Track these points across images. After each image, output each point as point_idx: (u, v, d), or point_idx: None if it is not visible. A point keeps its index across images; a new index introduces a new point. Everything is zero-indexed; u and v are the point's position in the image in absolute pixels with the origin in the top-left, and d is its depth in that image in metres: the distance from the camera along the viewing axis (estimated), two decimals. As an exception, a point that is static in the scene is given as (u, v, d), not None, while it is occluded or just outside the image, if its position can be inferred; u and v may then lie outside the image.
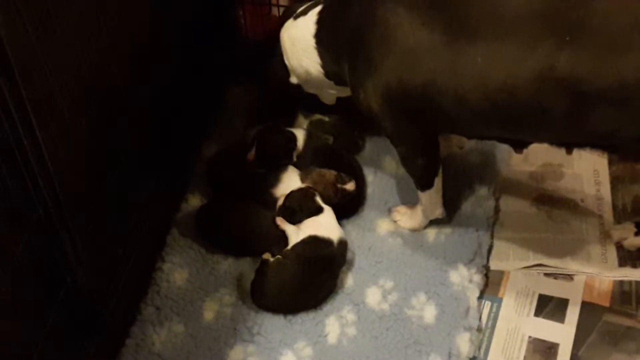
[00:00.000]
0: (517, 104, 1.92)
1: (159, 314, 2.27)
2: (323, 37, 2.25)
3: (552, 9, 1.88)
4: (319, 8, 2.27)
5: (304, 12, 2.31)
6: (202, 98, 2.69)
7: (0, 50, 1.47)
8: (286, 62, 2.39)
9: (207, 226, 2.41)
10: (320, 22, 2.25)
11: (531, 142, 2.18)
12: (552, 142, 2.12)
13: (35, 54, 1.61)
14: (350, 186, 2.40)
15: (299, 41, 2.31)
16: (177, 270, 2.36)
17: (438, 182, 2.34)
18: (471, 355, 2.20)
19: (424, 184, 2.33)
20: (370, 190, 2.54)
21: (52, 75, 1.69)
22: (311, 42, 2.27)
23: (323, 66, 2.28)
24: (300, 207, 2.32)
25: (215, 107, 2.76)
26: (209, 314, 2.28)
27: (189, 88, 2.57)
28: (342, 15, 2.18)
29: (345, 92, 2.35)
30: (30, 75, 1.58)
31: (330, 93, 2.46)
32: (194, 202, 2.52)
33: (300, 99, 2.56)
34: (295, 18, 2.33)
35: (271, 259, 2.27)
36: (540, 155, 2.62)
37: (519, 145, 2.22)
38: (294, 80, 2.42)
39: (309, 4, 2.34)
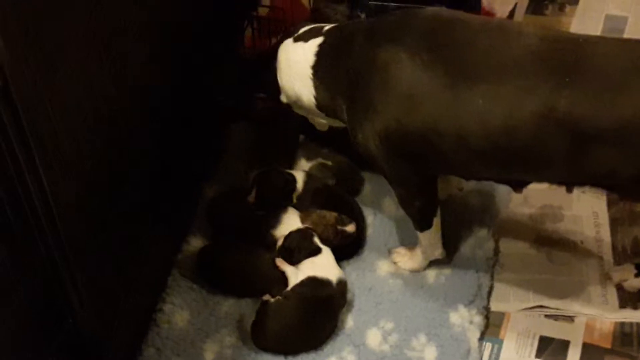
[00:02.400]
0: (517, 145, 1.94)
1: (160, 355, 2.27)
2: (320, 71, 2.25)
3: (551, 52, 1.92)
4: (320, 40, 2.26)
5: (305, 38, 2.30)
6: (203, 139, 2.71)
7: (5, 90, 1.49)
8: (278, 80, 2.37)
9: (208, 267, 2.42)
10: (319, 54, 2.25)
11: (531, 182, 2.19)
12: (552, 182, 2.13)
13: (40, 94, 1.63)
14: (350, 228, 2.41)
15: (295, 66, 2.30)
16: (178, 311, 2.36)
17: (437, 222, 2.34)
18: (472, 397, 2.18)
19: (423, 225, 2.34)
20: (370, 231, 2.55)
21: (56, 115, 1.71)
22: (308, 71, 2.27)
23: (316, 97, 2.29)
24: (298, 247, 2.33)
25: (217, 147, 2.77)
26: (209, 355, 2.28)
27: (190, 129, 2.59)
28: (342, 53, 2.19)
29: (334, 122, 2.37)
30: (35, 114, 1.60)
31: (318, 121, 2.47)
32: (195, 243, 2.53)
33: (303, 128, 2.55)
34: (295, 40, 2.32)
35: (271, 300, 2.27)
36: (539, 197, 2.63)
37: (519, 185, 2.24)
38: (283, 99, 2.41)
39: (310, 27, 2.34)
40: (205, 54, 2.64)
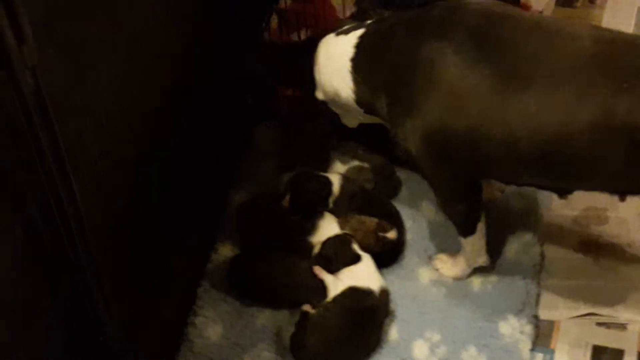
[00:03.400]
0: (571, 153, 1.84)
1: (194, 373, 2.12)
2: (360, 64, 2.13)
3: (607, 55, 1.82)
4: (360, 31, 2.15)
5: (346, 32, 2.18)
6: (228, 141, 2.58)
7: (37, 93, 1.40)
8: (315, 75, 2.26)
9: (242, 278, 2.29)
10: (359, 47, 2.13)
11: (579, 189, 2.08)
12: (604, 190, 2.03)
13: (68, 97, 1.53)
14: (392, 234, 2.29)
15: (334, 60, 2.19)
16: (211, 325, 2.24)
17: (481, 228, 2.23)
18: (529, 412, 2.06)
19: (466, 231, 2.23)
20: (409, 237, 2.43)
21: (84, 120, 1.62)
22: (347, 65, 2.15)
23: (355, 92, 2.17)
24: (336, 255, 2.21)
25: (242, 149, 2.64)
26: (246, 372, 2.14)
27: (215, 132, 2.46)
28: (384, 46, 2.07)
29: (372, 120, 2.25)
30: (64, 118, 1.49)
31: (358, 119, 2.34)
32: (225, 252, 2.40)
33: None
34: (337, 34, 2.21)
35: (312, 311, 2.14)
36: (582, 199, 2.51)
37: (565, 192, 2.13)
38: (319, 95, 2.29)
39: (354, 24, 2.22)
40: (226, 50, 2.50)
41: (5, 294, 1.45)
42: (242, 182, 2.59)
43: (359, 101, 2.16)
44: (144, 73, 1.91)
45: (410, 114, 1.98)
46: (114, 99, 1.75)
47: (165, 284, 2.19)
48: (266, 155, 2.63)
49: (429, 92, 1.94)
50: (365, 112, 2.19)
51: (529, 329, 2.22)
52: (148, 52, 1.91)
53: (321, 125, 2.52)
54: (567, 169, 1.88)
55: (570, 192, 2.09)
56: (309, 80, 2.26)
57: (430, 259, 2.40)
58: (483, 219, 2.21)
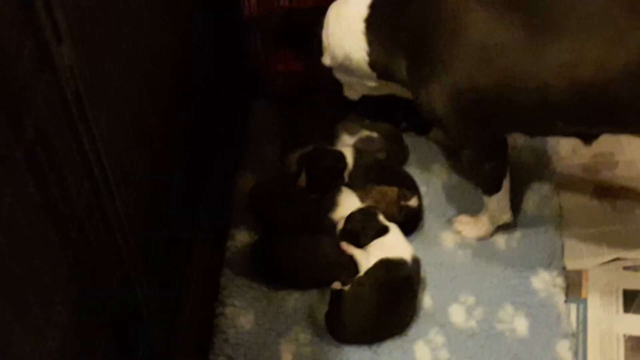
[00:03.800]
0: (608, 97, 1.82)
1: (234, 364, 2.06)
2: (376, 25, 2.07)
3: None
4: None
5: None
6: (226, 122, 2.51)
7: (77, 94, 1.35)
8: (324, 38, 2.18)
9: (266, 262, 2.23)
10: (374, 6, 2.07)
11: (608, 133, 2.07)
12: (636, 133, 2.01)
13: (101, 96, 1.51)
14: (413, 202, 2.26)
15: (346, 21, 2.12)
16: (242, 313, 2.18)
17: (506, 185, 2.21)
18: (573, 364, 2.06)
19: (492, 188, 2.20)
20: (425, 202, 2.40)
21: (113, 119, 1.59)
22: (360, 26, 2.09)
23: (370, 54, 2.10)
24: (364, 228, 2.16)
25: (240, 130, 2.57)
26: (287, 357, 2.11)
27: (212, 115, 2.39)
28: (402, 4, 2.02)
29: (383, 88, 2.20)
30: (98, 119, 1.45)
31: (365, 85, 2.27)
32: (241, 237, 2.34)
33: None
34: None
35: (345, 288, 2.09)
36: (589, 145, 2.49)
37: (591, 138, 2.11)
38: (326, 60, 2.22)
39: None
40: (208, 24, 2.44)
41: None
42: (246, 166, 2.51)
43: (373, 64, 2.10)
44: (152, 66, 1.87)
45: (435, 74, 1.94)
46: (128, 93, 1.71)
47: (187, 278, 2.12)
48: (266, 135, 2.57)
49: (456, 49, 1.89)
50: (379, 76, 2.13)
51: (560, 280, 2.22)
52: (153, 46, 1.88)
53: (324, 99, 2.45)
54: (603, 114, 1.87)
55: (596, 137, 2.07)
56: (315, 45, 2.18)
57: (449, 222, 2.35)
58: (508, 175, 2.17)
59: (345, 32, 2.11)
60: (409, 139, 2.52)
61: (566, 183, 2.47)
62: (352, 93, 2.36)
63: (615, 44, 1.77)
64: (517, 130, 2.13)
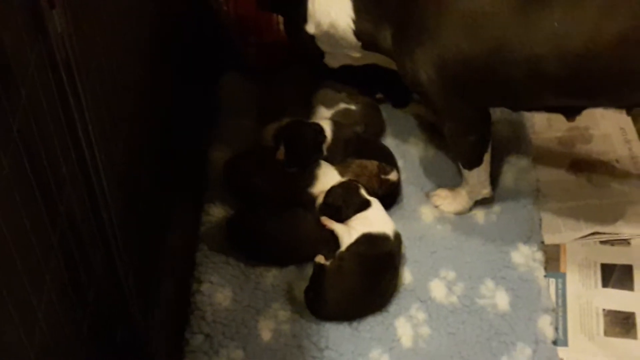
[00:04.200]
0: (598, 68, 1.80)
1: (212, 342, 2.03)
2: None
3: None
4: None
5: None
6: (199, 94, 2.44)
7: (67, 63, 1.30)
8: (309, 5, 2.12)
9: (244, 237, 2.17)
10: None
11: (593, 107, 2.05)
12: (623, 106, 2.00)
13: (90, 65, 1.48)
14: (393, 176, 2.23)
15: None
16: (219, 290, 2.12)
17: (487, 159, 2.19)
18: (554, 338, 2.05)
19: (473, 162, 2.18)
20: (403, 176, 2.36)
21: (99, 88, 1.56)
22: None
23: (356, 23, 2.05)
24: (345, 202, 2.12)
25: (214, 102, 2.51)
26: (266, 334, 2.05)
27: (185, 87, 2.33)
28: None
29: (366, 58, 2.15)
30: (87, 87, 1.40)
31: (348, 56, 2.22)
32: (216, 212, 2.28)
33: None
34: None
35: (326, 264, 2.05)
36: (564, 119, 2.48)
37: (574, 113, 2.09)
38: (310, 28, 2.16)
39: None
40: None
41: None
42: (220, 138, 2.45)
43: (358, 32, 2.06)
44: (131, 36, 1.84)
45: (421, 42, 1.90)
46: (110, 63, 1.66)
47: (159, 255, 2.06)
48: (240, 107, 2.50)
49: (443, 17, 1.86)
50: (364, 46, 2.09)
51: (539, 255, 2.21)
52: (132, 16, 1.85)
53: (302, 69, 2.40)
54: (594, 85, 1.85)
55: (579, 112, 2.05)
56: (299, 12, 2.12)
57: (428, 196, 2.32)
58: (489, 149, 2.15)
59: (332, 0, 2.05)
60: (385, 112, 2.49)
61: (542, 157, 2.47)
62: (333, 61, 2.30)
63: (607, 14, 1.75)
64: (502, 103, 2.10)
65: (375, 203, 2.14)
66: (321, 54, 2.25)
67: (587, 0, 1.76)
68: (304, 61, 2.32)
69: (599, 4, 1.75)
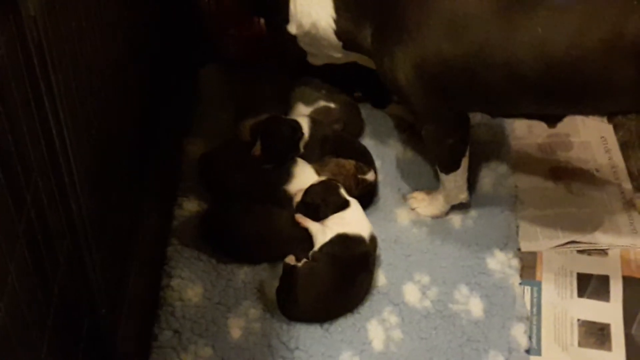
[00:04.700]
0: (581, 75, 1.78)
1: (180, 338, 1.98)
2: None
3: None
4: None
5: None
6: (174, 85, 2.40)
7: (39, 45, 1.27)
8: (291, 6, 2.09)
9: (216, 233, 2.14)
10: None
11: (574, 114, 2.03)
12: (604, 113, 1.99)
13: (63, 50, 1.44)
14: (370, 176, 2.20)
15: None
16: (189, 285, 2.08)
17: (465, 163, 2.16)
18: (527, 347, 2.02)
19: (451, 166, 2.15)
20: (380, 177, 2.34)
21: (72, 74, 1.52)
22: None
23: (337, 22, 2.03)
24: (324, 201, 2.08)
25: (190, 94, 2.46)
26: (236, 332, 2.02)
27: (161, 78, 2.28)
28: None
29: (349, 58, 2.13)
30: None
31: (329, 56, 2.19)
32: (190, 206, 2.24)
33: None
34: None
35: (298, 264, 2.01)
36: (544, 126, 2.45)
37: (556, 119, 2.07)
38: (292, 29, 2.13)
39: None
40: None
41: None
42: (196, 131, 2.41)
43: (339, 32, 2.03)
44: (106, 24, 1.79)
45: (400, 42, 1.87)
46: (84, 49, 1.62)
47: (131, 247, 2.01)
48: (217, 100, 2.47)
49: (424, 17, 1.83)
50: (345, 46, 2.05)
51: (515, 262, 2.19)
52: (110, 9, 1.82)
53: (280, 66, 2.36)
54: (575, 92, 1.82)
55: (560, 119, 2.03)
56: (281, 13, 2.08)
57: (404, 198, 2.29)
58: (467, 154, 2.12)
59: (313, 0, 2.01)
60: (364, 112, 2.46)
61: (522, 163, 2.45)
62: (316, 60, 2.27)
63: (591, 20, 1.73)
64: (481, 107, 2.07)
65: (354, 204, 2.11)
66: (304, 53, 2.20)
67: (571, 6, 1.75)
68: (285, 61, 2.27)
69: (582, 10, 1.74)
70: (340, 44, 2.05)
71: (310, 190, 2.09)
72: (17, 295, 1.29)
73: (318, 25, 2.03)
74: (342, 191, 2.10)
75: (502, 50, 1.79)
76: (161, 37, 2.30)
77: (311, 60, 2.24)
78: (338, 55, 2.13)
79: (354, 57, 2.11)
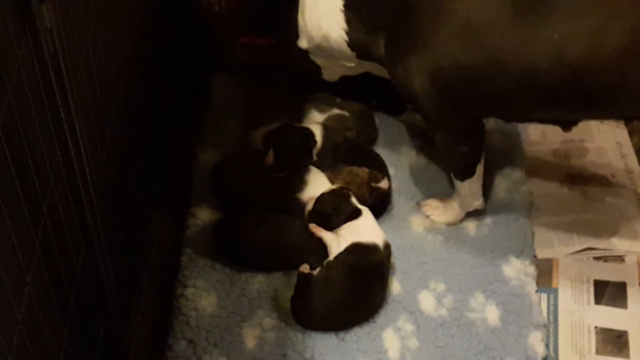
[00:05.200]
0: (597, 80, 1.76)
1: (195, 348, 1.98)
2: (354, 2, 1.99)
3: None
4: None
5: None
6: (186, 94, 2.39)
7: (55, 59, 1.26)
8: (300, 21, 2.09)
9: (230, 242, 2.12)
10: None
11: (590, 119, 2.01)
12: (621, 118, 1.97)
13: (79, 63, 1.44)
14: (384, 184, 2.18)
15: (323, 1, 2.03)
16: (204, 295, 2.08)
17: (480, 170, 2.15)
18: (544, 355, 2.00)
19: (466, 173, 2.13)
20: (394, 184, 2.32)
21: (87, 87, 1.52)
22: (338, 4, 2.00)
23: (349, 33, 2.02)
24: (335, 210, 2.07)
25: (202, 103, 2.45)
26: (250, 342, 2.01)
27: (173, 87, 2.28)
28: None
29: (361, 67, 2.11)
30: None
31: (343, 66, 2.18)
32: (203, 215, 2.23)
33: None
34: None
35: (314, 272, 2.00)
36: (558, 131, 2.43)
37: (570, 124, 2.05)
38: (302, 43, 2.13)
39: None
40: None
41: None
42: (208, 140, 2.40)
43: (352, 43, 2.02)
44: (119, 34, 1.79)
45: (415, 50, 1.85)
46: (98, 60, 1.62)
47: (145, 257, 2.01)
48: (229, 109, 2.46)
49: (439, 25, 1.81)
50: (358, 56, 2.05)
51: (532, 269, 2.17)
52: (120, 12, 1.81)
53: (292, 74, 2.35)
54: (591, 97, 1.81)
55: (575, 123, 2.02)
56: (290, 28, 2.08)
57: (418, 205, 2.28)
58: (483, 160, 2.11)
59: (323, 13, 2.03)
60: (378, 119, 2.45)
61: (536, 169, 2.43)
62: (331, 75, 2.27)
63: (608, 24, 1.71)
64: (496, 114, 2.06)
65: (366, 212, 2.10)
66: (317, 68, 2.19)
67: (588, 12, 1.73)
68: (302, 74, 2.27)
69: (598, 15, 1.72)
70: (354, 54, 2.04)
71: (321, 199, 2.08)
72: (34, 306, 1.28)
73: (329, 37, 2.02)
74: (354, 200, 2.08)
75: (518, 57, 1.78)
76: (173, 45, 2.29)
77: (326, 76, 2.24)
78: (352, 64, 2.11)
79: (367, 66, 2.10)
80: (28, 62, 1.23)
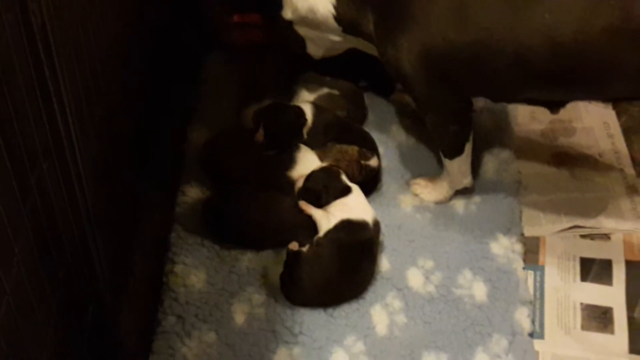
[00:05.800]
0: (587, 60, 1.77)
1: (184, 323, 1.99)
2: None
3: None
4: None
5: None
6: (178, 73, 2.40)
7: (43, 31, 1.27)
8: None
9: (220, 220, 2.14)
10: None
11: (578, 100, 2.03)
12: (609, 99, 1.98)
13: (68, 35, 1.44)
14: (374, 162, 2.20)
15: None
16: (193, 271, 2.08)
17: (468, 148, 2.16)
18: (530, 331, 2.02)
19: (455, 152, 2.15)
20: (384, 163, 2.34)
21: (77, 59, 1.53)
22: None
23: (337, 8, 2.02)
24: (325, 188, 2.08)
25: (193, 82, 2.46)
26: (240, 318, 2.02)
27: (164, 66, 2.28)
28: None
29: (347, 42, 2.11)
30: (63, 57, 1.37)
31: (329, 40, 2.18)
32: (193, 193, 2.24)
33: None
34: None
35: (303, 249, 2.02)
36: (547, 111, 2.45)
37: (559, 105, 2.07)
38: (287, 14, 2.13)
39: None
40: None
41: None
42: (199, 119, 2.41)
43: (339, 17, 2.02)
44: (109, 9, 1.80)
45: (405, 30, 1.86)
46: (87, 35, 1.63)
47: (133, 234, 2.02)
48: (220, 88, 2.47)
49: (430, 4, 1.82)
50: (345, 30, 2.04)
51: (519, 247, 2.19)
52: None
53: (283, 52, 2.36)
54: (581, 77, 1.82)
55: (563, 105, 2.03)
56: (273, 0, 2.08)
57: (407, 184, 2.29)
58: (471, 139, 2.12)
59: None
60: (368, 98, 2.46)
61: (525, 148, 2.45)
62: (316, 49, 2.26)
63: (598, 4, 1.72)
64: (486, 94, 2.07)
65: (356, 190, 2.11)
66: (302, 40, 2.19)
67: None
68: (286, 48, 2.27)
69: None
70: (340, 28, 2.04)
71: (311, 177, 2.09)
72: (23, 279, 1.29)
73: (315, 10, 2.02)
74: (344, 177, 2.10)
75: (509, 37, 1.79)
76: (164, 25, 2.30)
77: (311, 50, 2.24)
78: (338, 39, 2.11)
79: (354, 42, 2.11)
80: (17, 34, 1.23)
